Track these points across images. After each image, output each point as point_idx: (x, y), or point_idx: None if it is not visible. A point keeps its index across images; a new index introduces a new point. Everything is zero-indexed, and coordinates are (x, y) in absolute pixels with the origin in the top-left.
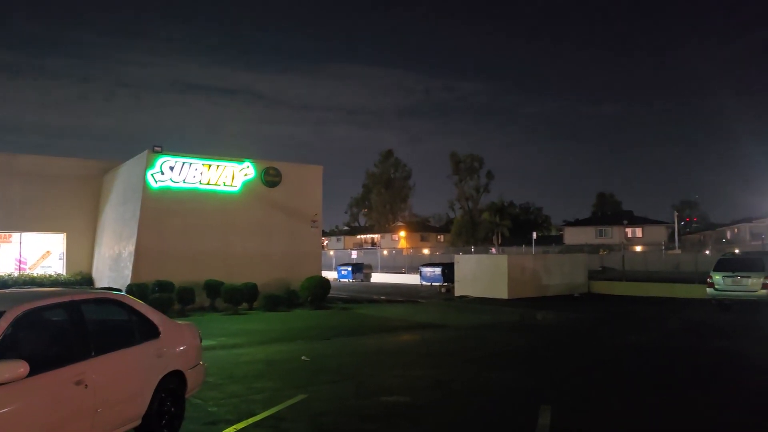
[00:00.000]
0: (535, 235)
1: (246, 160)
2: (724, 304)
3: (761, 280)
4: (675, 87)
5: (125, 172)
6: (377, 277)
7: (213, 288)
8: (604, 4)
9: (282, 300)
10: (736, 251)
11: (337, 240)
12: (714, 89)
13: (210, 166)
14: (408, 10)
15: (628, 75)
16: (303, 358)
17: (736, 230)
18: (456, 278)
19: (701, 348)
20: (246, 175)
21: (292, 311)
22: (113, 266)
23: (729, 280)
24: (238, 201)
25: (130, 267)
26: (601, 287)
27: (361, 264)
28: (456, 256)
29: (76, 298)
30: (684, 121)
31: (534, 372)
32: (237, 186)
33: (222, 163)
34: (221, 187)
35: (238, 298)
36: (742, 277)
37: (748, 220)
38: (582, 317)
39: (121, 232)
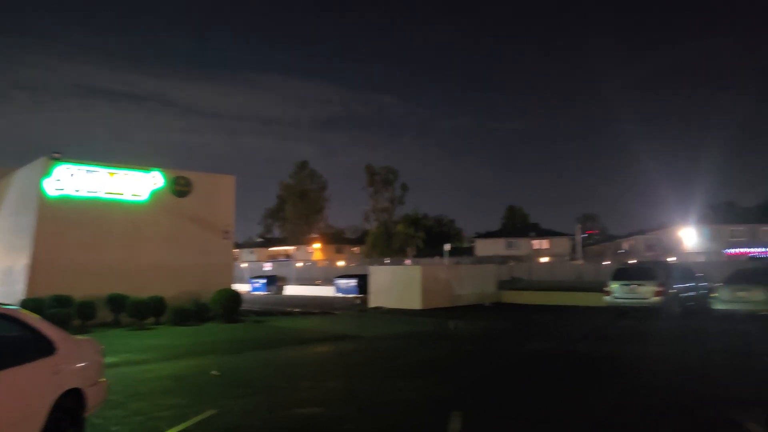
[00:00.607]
0: (448, 246)
1: (154, 168)
2: (621, 311)
3: (653, 288)
4: (578, 105)
5: (19, 179)
6: (292, 290)
7: (117, 302)
8: (515, 23)
9: (191, 313)
10: (633, 261)
11: (251, 252)
12: (614, 108)
13: (115, 174)
14: (325, 21)
15: (535, 92)
16: (213, 372)
17: (632, 242)
18: (370, 289)
19: (600, 353)
20: (155, 184)
21: (202, 325)
22: (4, 280)
23: (625, 288)
24: (146, 211)
25: (24, 281)
26: (510, 296)
27: (275, 276)
28: (370, 267)
29: None
30: (586, 138)
31: (446, 380)
32: (145, 195)
33: (128, 172)
34: (128, 197)
35: (144, 312)
36: (636, 285)
37: (643, 232)
38: (492, 326)
39: (13, 244)
